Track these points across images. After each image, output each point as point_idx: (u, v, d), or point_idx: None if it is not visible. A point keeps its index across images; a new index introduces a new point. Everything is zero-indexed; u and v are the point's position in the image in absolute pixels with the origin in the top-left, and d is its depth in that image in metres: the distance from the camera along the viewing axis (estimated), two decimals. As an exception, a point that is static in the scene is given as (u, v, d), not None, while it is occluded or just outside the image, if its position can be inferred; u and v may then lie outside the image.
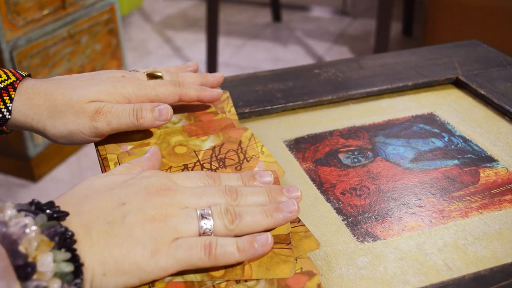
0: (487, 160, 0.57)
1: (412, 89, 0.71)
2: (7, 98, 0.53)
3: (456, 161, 0.57)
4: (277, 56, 2.48)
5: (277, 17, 2.86)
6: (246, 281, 0.41)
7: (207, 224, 0.41)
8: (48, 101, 0.53)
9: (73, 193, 0.42)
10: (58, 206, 0.39)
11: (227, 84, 0.71)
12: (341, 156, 0.58)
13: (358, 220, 0.49)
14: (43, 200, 0.40)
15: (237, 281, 0.41)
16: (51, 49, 1.66)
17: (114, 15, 1.90)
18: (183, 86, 0.58)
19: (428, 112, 0.66)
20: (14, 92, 0.53)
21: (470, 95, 0.69)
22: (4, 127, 0.55)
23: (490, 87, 0.69)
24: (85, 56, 1.81)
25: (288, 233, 0.44)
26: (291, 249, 0.43)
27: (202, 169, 0.53)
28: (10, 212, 0.36)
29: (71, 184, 1.66)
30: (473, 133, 0.61)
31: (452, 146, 0.59)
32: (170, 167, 0.53)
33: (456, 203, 0.51)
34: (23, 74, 0.55)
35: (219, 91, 0.60)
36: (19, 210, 0.37)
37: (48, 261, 0.35)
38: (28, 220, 0.36)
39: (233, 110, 0.63)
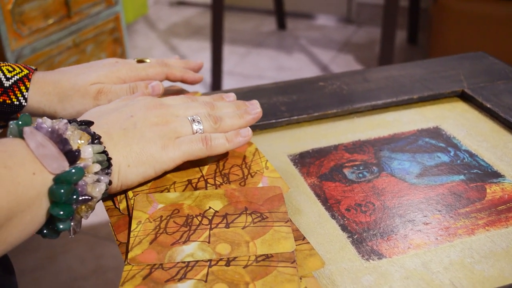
0: (494, 175, 0.56)
1: (417, 102, 0.71)
2: (23, 87, 0.60)
3: (462, 177, 0.56)
4: (281, 65, 2.48)
5: (281, 25, 2.86)
6: (250, 301, 0.40)
7: (198, 126, 0.54)
8: (57, 88, 0.61)
9: (87, 115, 0.52)
10: (81, 119, 0.48)
11: (231, 97, 0.70)
12: (346, 171, 0.58)
13: (363, 237, 0.49)
14: None
15: (241, 301, 0.40)
16: (56, 58, 1.67)
17: (119, 24, 1.91)
18: (169, 66, 0.66)
19: (433, 126, 0.65)
20: (29, 83, 0.60)
21: (476, 108, 0.69)
22: (18, 114, 0.61)
23: (496, 100, 0.68)
24: (90, 65, 1.81)
25: (293, 251, 0.44)
26: (295, 267, 0.43)
27: (206, 185, 0.53)
28: (49, 120, 0.45)
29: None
30: (479, 148, 0.61)
31: (458, 161, 0.59)
32: (174, 182, 0.53)
33: (463, 220, 0.50)
34: (33, 68, 0.62)
35: (200, 75, 0.68)
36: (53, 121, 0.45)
37: (89, 150, 0.45)
38: (66, 121, 0.45)
39: None
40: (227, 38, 2.75)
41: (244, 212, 0.49)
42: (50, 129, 0.44)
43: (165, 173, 0.54)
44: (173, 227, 0.47)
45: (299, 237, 0.46)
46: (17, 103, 0.60)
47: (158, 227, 0.47)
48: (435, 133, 0.64)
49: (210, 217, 0.48)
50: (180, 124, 0.53)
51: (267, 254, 0.44)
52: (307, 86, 0.74)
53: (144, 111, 0.53)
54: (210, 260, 0.44)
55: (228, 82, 2.31)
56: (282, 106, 0.69)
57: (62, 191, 0.42)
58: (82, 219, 0.46)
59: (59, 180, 0.42)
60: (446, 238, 0.48)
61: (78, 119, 0.49)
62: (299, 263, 0.44)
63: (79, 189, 0.44)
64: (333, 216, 0.51)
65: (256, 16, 3.08)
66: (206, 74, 2.40)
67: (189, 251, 0.45)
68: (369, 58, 2.51)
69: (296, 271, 0.42)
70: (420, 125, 0.66)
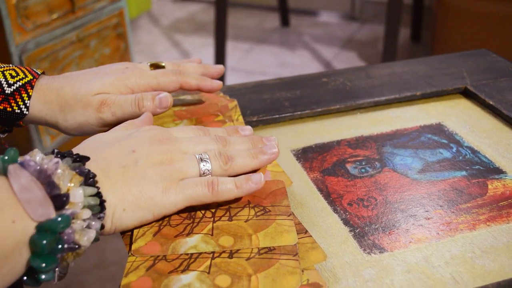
0: (495, 171, 0.57)
1: (420, 99, 0.71)
2: (25, 95, 0.57)
3: (464, 173, 0.57)
4: (285, 61, 2.48)
5: (285, 22, 2.86)
6: (252, 292, 0.41)
7: (206, 165, 0.48)
8: (59, 97, 0.57)
9: (85, 146, 0.48)
10: (77, 153, 0.44)
11: (234, 92, 0.71)
12: (348, 166, 0.58)
13: (365, 231, 0.49)
14: None
15: (244, 293, 0.41)
16: (60, 53, 1.67)
17: (123, 19, 1.91)
18: (183, 74, 0.61)
19: (436, 122, 0.66)
20: (31, 90, 0.57)
21: (478, 105, 0.69)
22: (21, 122, 0.58)
23: (498, 97, 0.68)
24: (94, 60, 1.82)
25: (295, 245, 0.45)
26: (297, 260, 0.43)
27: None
28: (39, 156, 0.41)
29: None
30: (482, 144, 0.61)
31: (460, 157, 0.59)
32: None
33: (464, 215, 0.51)
34: (38, 72, 0.59)
35: (218, 82, 0.63)
36: (46, 154, 0.42)
37: (79, 194, 0.40)
38: (58, 159, 0.41)
39: (241, 118, 0.63)
40: (231, 34, 2.75)
41: (247, 206, 0.49)
42: (38, 168, 0.40)
43: None
44: (177, 220, 0.48)
45: (302, 231, 0.47)
46: (18, 111, 0.57)
47: (161, 220, 0.48)
48: (438, 129, 0.64)
49: (213, 210, 0.49)
50: (186, 164, 0.48)
51: (269, 247, 0.44)
52: (310, 82, 0.74)
53: (148, 146, 0.47)
54: (213, 252, 0.44)
55: (231, 78, 2.31)
56: (285, 101, 0.69)
57: (45, 242, 0.38)
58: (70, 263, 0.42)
59: (42, 228, 0.38)
60: (447, 233, 0.49)
61: (74, 152, 0.45)
62: (301, 256, 0.44)
63: (65, 237, 0.39)
64: (335, 210, 0.52)
65: (260, 12, 3.08)
66: (209, 70, 2.40)
67: (192, 243, 0.45)
68: (372, 55, 2.51)
69: (298, 263, 0.43)
70: (422, 121, 0.66)
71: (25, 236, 0.38)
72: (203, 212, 0.48)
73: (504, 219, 0.50)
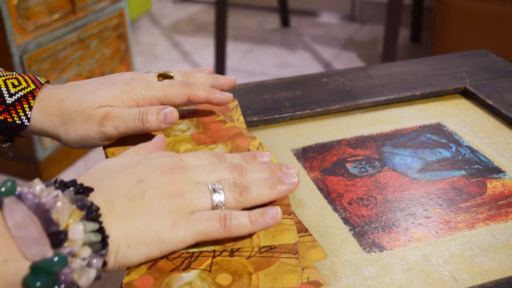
0: (494, 171, 0.57)
1: (420, 99, 0.71)
2: (27, 106, 0.55)
3: (463, 172, 0.57)
4: (285, 62, 2.48)
5: (285, 23, 2.87)
6: (253, 290, 0.41)
7: (218, 197, 0.45)
8: (61, 109, 0.55)
9: (91, 174, 0.45)
10: (81, 183, 0.41)
11: (235, 92, 0.71)
12: (348, 165, 0.58)
13: (364, 230, 0.49)
14: None
15: (244, 290, 0.41)
16: (61, 53, 1.68)
17: (123, 20, 1.92)
18: (192, 86, 0.58)
19: (435, 122, 0.66)
20: (33, 101, 0.55)
21: (478, 105, 0.70)
22: (22, 133, 0.57)
23: (498, 97, 0.69)
24: (94, 60, 1.82)
25: (295, 243, 0.45)
26: (298, 258, 0.43)
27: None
28: (39, 186, 0.39)
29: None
30: (481, 144, 0.62)
31: (460, 157, 0.59)
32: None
33: (463, 214, 0.51)
34: (42, 82, 0.57)
35: (228, 94, 0.60)
36: (47, 186, 0.39)
37: (79, 230, 0.38)
38: (58, 192, 0.39)
39: (241, 118, 0.63)
40: (231, 35, 2.76)
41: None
42: (36, 202, 0.37)
43: None
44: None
45: (302, 229, 0.47)
46: (19, 122, 0.55)
47: None
48: (437, 129, 0.65)
49: None
50: (197, 195, 0.44)
51: (270, 246, 0.45)
52: (310, 82, 0.74)
53: (157, 176, 0.44)
54: (214, 251, 0.45)
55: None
56: (285, 101, 0.69)
57: (39, 283, 0.35)
58: None
59: (36, 268, 0.36)
60: (446, 231, 0.49)
61: (79, 181, 0.42)
62: (302, 254, 0.45)
63: (62, 277, 0.37)
64: (335, 210, 0.52)
65: (260, 13, 3.08)
66: (209, 70, 2.41)
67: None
68: (372, 56, 2.51)
69: (299, 262, 0.43)
70: (422, 121, 0.66)
71: (17, 277, 0.35)
72: None
73: (503, 218, 0.50)
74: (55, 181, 0.40)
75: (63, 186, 0.40)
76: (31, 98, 0.55)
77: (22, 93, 0.55)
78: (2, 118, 0.55)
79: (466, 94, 0.72)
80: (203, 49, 2.65)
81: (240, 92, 0.72)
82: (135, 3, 2.80)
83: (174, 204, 0.43)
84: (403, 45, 2.58)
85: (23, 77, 0.56)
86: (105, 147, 0.58)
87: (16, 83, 0.55)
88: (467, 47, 1.87)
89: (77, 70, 1.75)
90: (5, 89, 0.55)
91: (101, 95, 0.55)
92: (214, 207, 0.45)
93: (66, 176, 1.76)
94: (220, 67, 2.19)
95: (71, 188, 0.40)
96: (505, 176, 0.56)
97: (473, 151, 0.60)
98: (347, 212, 0.52)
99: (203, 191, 0.45)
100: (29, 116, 0.55)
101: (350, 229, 0.50)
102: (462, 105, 0.70)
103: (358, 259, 0.46)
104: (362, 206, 0.52)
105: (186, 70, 0.65)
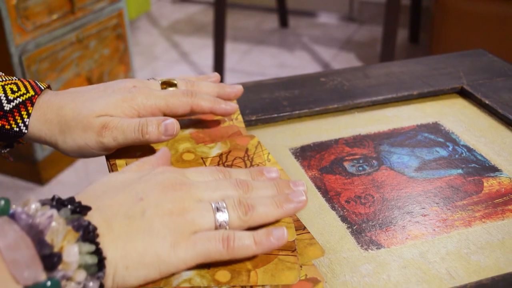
0: (491, 169, 0.57)
1: (417, 98, 0.72)
2: (25, 113, 0.54)
3: (460, 171, 0.57)
4: (283, 62, 2.49)
5: (284, 23, 2.87)
6: (251, 287, 0.42)
7: (222, 216, 0.43)
8: (59, 116, 0.54)
9: (91, 190, 0.43)
10: (79, 202, 0.40)
11: (234, 92, 0.71)
12: (346, 164, 0.59)
13: (362, 228, 0.50)
14: None
15: (242, 287, 0.42)
16: (60, 53, 1.68)
17: (122, 20, 1.92)
18: (195, 96, 0.57)
19: (433, 122, 0.66)
20: (31, 108, 0.54)
21: (475, 104, 0.70)
22: (21, 139, 0.56)
23: (495, 97, 0.69)
24: (93, 60, 1.82)
25: (293, 241, 0.45)
26: (296, 256, 0.44)
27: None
28: (34, 205, 0.37)
29: (78, 188, 1.67)
30: (478, 143, 0.62)
31: (456, 156, 0.60)
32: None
33: (460, 212, 0.51)
34: (42, 87, 0.56)
35: (233, 105, 0.59)
36: (43, 204, 0.38)
37: (74, 252, 0.36)
38: (53, 212, 0.37)
39: (240, 117, 0.64)
40: (230, 36, 2.76)
41: None
42: (30, 222, 0.36)
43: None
44: None
45: (300, 227, 0.48)
46: (17, 129, 0.54)
47: None
48: (434, 128, 0.65)
49: None
50: (200, 214, 0.43)
51: None
52: (308, 82, 0.75)
53: (158, 193, 0.43)
54: None
55: (230, 79, 2.32)
56: (284, 101, 0.70)
57: None
58: None
59: None
60: (443, 229, 0.49)
61: (78, 198, 0.41)
62: (300, 252, 0.45)
63: None
64: (333, 208, 0.52)
65: (259, 13, 3.09)
66: (208, 71, 2.41)
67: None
68: (370, 56, 2.52)
69: (297, 259, 0.44)
70: (419, 120, 0.67)
71: None
72: None
73: (499, 216, 0.51)
74: (52, 199, 0.39)
75: (60, 204, 0.39)
76: (30, 104, 0.54)
77: (20, 100, 0.54)
78: (0, 125, 0.54)
79: (463, 93, 0.72)
80: (202, 49, 2.65)
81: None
82: (134, 3, 2.81)
83: (175, 223, 0.41)
84: (401, 46, 2.59)
85: (23, 83, 0.55)
86: (108, 158, 0.57)
87: (15, 88, 0.54)
88: (465, 47, 1.87)
89: (76, 70, 1.76)
90: (3, 95, 0.54)
91: (101, 103, 0.54)
92: (218, 226, 0.43)
93: (65, 176, 1.76)
94: (218, 67, 2.19)
95: (69, 206, 0.39)
96: (502, 175, 0.57)
97: (470, 150, 0.61)
98: (344, 210, 0.52)
99: (206, 210, 0.43)
100: (27, 123, 0.54)
101: (348, 227, 0.50)
102: (459, 104, 0.70)
103: (356, 257, 0.47)
104: (359, 204, 0.53)
105: (191, 77, 0.63)
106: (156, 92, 0.56)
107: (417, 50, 2.56)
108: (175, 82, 0.60)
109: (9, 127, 0.54)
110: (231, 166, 0.56)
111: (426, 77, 0.75)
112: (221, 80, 1.91)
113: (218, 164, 0.56)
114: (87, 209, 0.40)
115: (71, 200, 0.40)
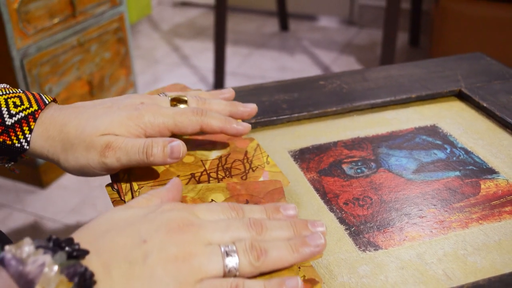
0: (488, 172, 0.58)
1: (415, 101, 0.72)
2: (27, 129, 0.52)
3: (457, 173, 0.58)
4: (284, 65, 2.49)
5: (284, 27, 2.88)
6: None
7: (232, 262, 0.40)
8: (62, 134, 0.52)
9: (92, 228, 0.40)
10: (77, 244, 0.37)
11: (234, 95, 0.72)
12: (344, 166, 0.59)
13: (360, 229, 0.50)
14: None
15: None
16: (61, 57, 1.69)
17: (123, 24, 1.93)
18: (206, 115, 0.54)
19: (431, 124, 0.67)
20: (34, 123, 0.52)
21: (472, 107, 0.71)
22: (23, 155, 0.54)
23: (492, 99, 0.70)
24: (94, 64, 1.83)
25: None
26: None
27: (208, 179, 0.55)
28: (27, 248, 0.35)
29: (78, 191, 1.68)
30: (475, 145, 0.62)
31: (454, 158, 0.60)
32: (178, 176, 0.55)
33: (457, 214, 0.52)
34: (46, 101, 0.54)
35: (246, 125, 0.56)
36: (37, 247, 0.35)
37: None
38: (46, 258, 0.34)
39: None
40: (230, 39, 2.77)
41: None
42: (19, 270, 0.33)
43: (169, 166, 0.56)
44: None
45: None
46: (18, 145, 0.52)
47: None
48: (432, 131, 0.66)
49: None
50: (207, 259, 0.39)
51: None
52: (308, 85, 0.75)
53: (163, 235, 0.40)
54: None
55: (230, 83, 2.32)
56: (283, 103, 0.70)
57: None
58: None
59: None
60: (440, 231, 0.50)
61: (77, 237, 0.39)
62: (298, 253, 0.45)
63: None
64: (331, 210, 0.53)
65: (259, 17, 3.09)
66: (209, 74, 2.42)
67: None
68: (370, 59, 2.53)
69: None
70: (417, 123, 0.67)
71: None
72: None
73: (496, 217, 0.51)
74: (49, 239, 0.37)
75: (56, 245, 0.36)
76: (32, 120, 0.52)
77: (23, 114, 0.52)
78: (1, 140, 0.52)
79: (461, 96, 0.73)
80: (203, 53, 2.66)
81: (238, 94, 0.73)
82: (135, 7, 2.82)
83: (179, 271, 0.38)
84: (401, 49, 2.60)
85: (27, 96, 0.54)
86: (114, 181, 0.55)
87: (18, 102, 0.53)
88: (465, 50, 1.88)
89: (77, 73, 1.76)
90: (5, 109, 0.52)
91: (106, 121, 0.52)
92: (227, 273, 0.40)
93: (66, 179, 1.77)
94: (219, 71, 2.20)
95: (66, 249, 0.36)
96: (499, 177, 0.57)
97: (467, 152, 0.61)
98: (343, 212, 0.52)
99: (215, 254, 0.40)
100: (28, 139, 0.52)
101: (346, 229, 0.50)
102: (457, 107, 0.71)
103: (354, 258, 0.47)
104: (357, 206, 0.53)
105: (203, 93, 0.61)
106: (164, 110, 0.54)
107: (417, 53, 2.57)
108: (186, 99, 0.57)
109: (10, 142, 0.52)
110: (230, 168, 0.56)
111: (425, 80, 0.75)
112: (222, 84, 1.89)
113: (218, 167, 0.56)
114: (85, 253, 0.37)
115: (69, 241, 0.37)
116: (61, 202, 1.61)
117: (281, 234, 0.43)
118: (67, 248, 0.36)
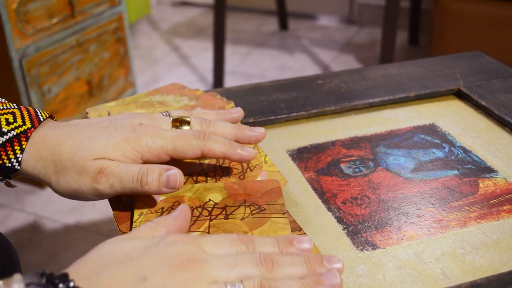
0: (487, 170, 0.58)
1: (414, 100, 0.72)
2: (18, 148, 0.49)
3: (456, 172, 0.58)
4: (283, 65, 2.49)
5: (283, 26, 2.88)
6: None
7: None
8: (55, 155, 0.49)
9: (90, 261, 0.38)
10: (72, 280, 0.35)
11: (232, 94, 0.72)
12: (342, 166, 0.59)
13: (358, 229, 0.50)
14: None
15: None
16: (60, 57, 1.68)
17: (122, 24, 1.92)
18: (208, 139, 0.51)
19: (429, 123, 0.67)
20: (26, 142, 0.49)
21: (471, 106, 0.70)
22: (16, 174, 0.52)
23: (491, 98, 0.70)
24: (93, 64, 1.83)
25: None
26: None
27: (206, 179, 0.54)
28: (17, 286, 0.32)
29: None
30: (474, 144, 0.62)
31: (452, 157, 0.60)
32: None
33: (455, 213, 0.52)
34: (41, 119, 0.51)
35: (251, 151, 0.52)
36: (28, 284, 0.33)
37: None
38: None
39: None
40: (229, 38, 2.77)
41: (243, 204, 0.50)
42: None
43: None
44: None
45: (296, 228, 0.48)
46: (9, 165, 0.49)
47: (161, 212, 0.49)
48: (431, 130, 0.65)
49: (209, 209, 0.50)
50: None
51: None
52: (306, 84, 0.75)
53: (165, 273, 0.37)
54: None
55: (230, 82, 2.32)
56: (281, 103, 0.70)
57: None
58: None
59: None
60: (438, 230, 0.50)
61: (72, 271, 0.36)
62: (296, 252, 0.45)
63: None
64: (329, 209, 0.53)
65: (258, 16, 3.09)
66: (208, 74, 2.42)
67: None
68: (370, 58, 2.52)
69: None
70: (416, 122, 0.67)
71: None
72: (200, 210, 0.50)
73: (494, 216, 0.51)
74: (42, 274, 0.34)
75: (49, 282, 0.34)
76: (24, 139, 0.49)
77: (14, 133, 0.49)
78: None
79: (459, 95, 0.73)
80: (202, 52, 2.66)
81: (236, 94, 0.72)
82: (134, 7, 2.81)
83: None
84: (401, 48, 2.59)
85: (21, 112, 0.51)
86: (112, 208, 0.52)
87: (10, 119, 0.50)
88: (464, 49, 1.88)
89: (76, 73, 1.76)
90: None
91: (100, 144, 0.49)
92: None
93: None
94: (218, 70, 2.20)
95: (60, 286, 0.34)
96: (497, 176, 0.57)
97: (466, 151, 0.61)
98: (341, 211, 0.52)
99: None
100: (19, 159, 0.49)
101: (344, 228, 0.50)
102: (455, 106, 0.71)
103: (352, 257, 0.47)
104: (355, 205, 0.53)
105: (209, 112, 0.58)
106: (164, 133, 0.50)
107: (417, 52, 2.57)
108: (189, 119, 0.54)
109: (1, 162, 0.49)
110: (228, 168, 0.56)
111: (423, 79, 0.75)
112: (221, 83, 1.89)
113: (216, 167, 0.56)
114: None
115: (64, 277, 0.34)
116: (60, 201, 1.61)
117: (294, 271, 0.40)
118: (60, 285, 0.34)
